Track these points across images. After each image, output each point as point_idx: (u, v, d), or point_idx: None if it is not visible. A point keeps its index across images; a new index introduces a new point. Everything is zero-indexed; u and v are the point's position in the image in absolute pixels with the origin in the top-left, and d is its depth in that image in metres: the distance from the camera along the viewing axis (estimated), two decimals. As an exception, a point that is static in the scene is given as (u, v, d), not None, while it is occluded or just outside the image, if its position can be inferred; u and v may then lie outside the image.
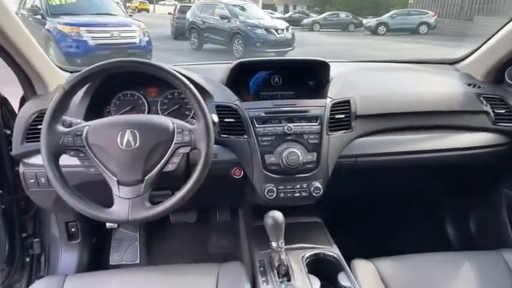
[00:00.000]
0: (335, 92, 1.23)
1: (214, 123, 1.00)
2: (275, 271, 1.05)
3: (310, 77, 1.33)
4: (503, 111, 1.32)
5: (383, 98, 1.29)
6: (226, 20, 8.92)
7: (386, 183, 1.50)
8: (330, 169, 1.16)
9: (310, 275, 1.04)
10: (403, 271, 1.11)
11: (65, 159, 0.94)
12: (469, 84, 1.38)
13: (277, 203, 1.14)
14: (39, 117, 1.12)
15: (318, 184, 1.14)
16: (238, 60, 1.25)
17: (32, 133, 1.13)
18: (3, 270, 1.31)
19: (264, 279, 1.04)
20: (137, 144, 0.91)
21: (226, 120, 1.14)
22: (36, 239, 1.43)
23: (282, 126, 1.14)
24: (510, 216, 1.44)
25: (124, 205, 0.91)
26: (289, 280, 1.02)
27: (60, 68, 1.33)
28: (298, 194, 1.14)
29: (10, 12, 1.04)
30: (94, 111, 1.16)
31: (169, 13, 13.21)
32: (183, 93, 0.96)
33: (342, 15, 18.00)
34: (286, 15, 22.53)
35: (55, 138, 0.91)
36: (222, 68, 1.31)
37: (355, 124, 1.21)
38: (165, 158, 0.93)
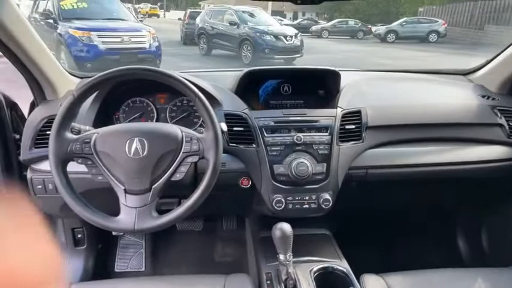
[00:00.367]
0: (346, 101, 1.22)
1: (223, 132, 0.98)
2: (282, 285, 1.02)
3: (320, 86, 1.31)
4: None
5: (395, 109, 1.26)
6: (235, 26, 8.96)
7: (397, 196, 1.47)
8: (339, 181, 1.14)
9: None
10: (414, 287, 1.08)
11: (73, 166, 0.93)
12: (483, 96, 1.35)
13: (286, 215, 1.12)
14: (48, 123, 1.12)
15: (327, 196, 1.12)
16: (248, 69, 1.24)
17: (40, 139, 1.13)
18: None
19: None
20: (145, 152, 0.90)
21: (235, 129, 1.13)
22: (42, 244, 1.42)
23: (291, 136, 1.13)
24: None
25: (130, 214, 0.90)
26: None
27: (71, 74, 1.34)
28: (307, 206, 1.12)
29: (21, 17, 1.04)
30: (103, 117, 1.16)
31: (179, 19, 13.36)
32: (192, 101, 0.95)
33: (351, 22, 18.02)
34: (295, 22, 22.60)
35: (63, 145, 0.90)
36: (231, 76, 1.30)
37: (366, 135, 1.18)
38: (173, 167, 0.92)
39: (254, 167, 1.12)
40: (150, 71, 0.94)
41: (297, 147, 1.12)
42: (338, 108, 1.19)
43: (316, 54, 10.97)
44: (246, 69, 1.24)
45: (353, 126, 1.17)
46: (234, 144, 1.13)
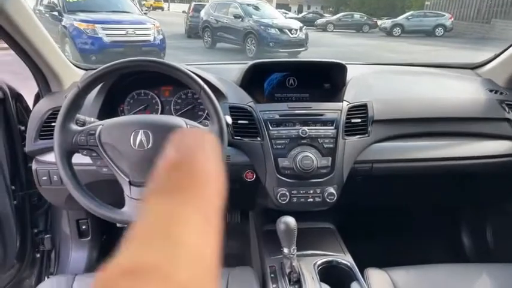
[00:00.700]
0: (352, 95, 1.20)
1: (227, 125, 0.98)
2: (286, 278, 1.03)
3: (326, 79, 1.30)
4: None
5: (401, 103, 1.25)
6: (240, 19, 8.91)
7: (402, 191, 1.46)
8: (344, 175, 1.13)
9: (322, 283, 1.02)
10: (418, 282, 1.08)
11: (78, 158, 0.93)
12: (491, 90, 1.33)
13: (290, 208, 1.11)
14: (53, 114, 1.12)
15: (332, 190, 1.11)
16: (253, 62, 1.23)
17: (45, 130, 1.13)
18: (14, 266, 1.32)
19: (274, 286, 1.02)
20: (150, 144, 0.90)
21: (239, 122, 1.12)
22: (47, 235, 1.44)
23: (296, 129, 1.12)
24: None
25: (135, 206, 0.90)
26: None
27: (75, 66, 1.33)
28: (311, 199, 1.12)
29: (27, 9, 1.04)
30: (108, 109, 1.16)
31: (184, 11, 13.29)
32: (197, 94, 0.94)
33: (357, 16, 17.84)
34: (300, 15, 22.43)
35: (68, 137, 0.90)
36: (235, 69, 1.29)
37: (372, 129, 1.17)
38: None
39: (259, 160, 1.12)
40: (155, 62, 0.93)
41: (302, 141, 1.11)
42: (344, 101, 1.18)
43: (321, 47, 10.90)
44: (251, 62, 1.23)
45: (359, 120, 1.16)
46: (239, 137, 1.12)
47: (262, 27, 8.60)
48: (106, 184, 0.98)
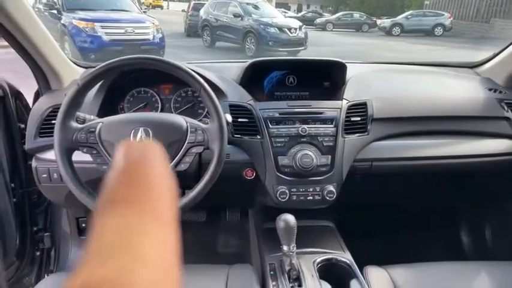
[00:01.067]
0: (351, 93, 1.21)
1: (227, 123, 0.98)
2: (286, 275, 1.03)
3: (325, 77, 1.30)
4: None
5: (401, 101, 1.25)
6: (239, 18, 8.90)
7: (402, 189, 1.46)
8: (344, 173, 1.14)
9: (321, 280, 1.02)
10: (417, 279, 1.08)
11: (78, 155, 0.93)
12: (490, 89, 1.34)
13: (289, 206, 1.12)
14: (53, 112, 1.12)
15: (331, 188, 1.11)
16: (253, 60, 1.23)
17: (45, 128, 1.13)
18: (14, 263, 1.32)
19: (274, 283, 1.02)
20: None
21: (239, 120, 1.12)
22: (47, 233, 1.43)
23: (296, 127, 1.12)
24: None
25: None
26: (300, 285, 1.00)
27: (75, 64, 1.33)
28: (311, 198, 1.12)
29: (27, 7, 1.04)
30: (108, 107, 1.16)
31: (183, 10, 13.27)
32: (197, 92, 0.94)
33: (356, 15, 17.84)
34: (299, 14, 22.43)
35: (68, 134, 0.90)
36: (235, 67, 1.29)
37: (372, 127, 1.18)
38: (177, 157, 0.92)
39: (258, 159, 1.12)
40: (155, 60, 0.93)
41: (301, 139, 1.12)
42: (344, 100, 1.18)
43: (321, 47, 10.90)
44: (250, 60, 1.24)
45: (358, 119, 1.17)
46: (239, 136, 1.12)
47: (261, 26, 8.59)
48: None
